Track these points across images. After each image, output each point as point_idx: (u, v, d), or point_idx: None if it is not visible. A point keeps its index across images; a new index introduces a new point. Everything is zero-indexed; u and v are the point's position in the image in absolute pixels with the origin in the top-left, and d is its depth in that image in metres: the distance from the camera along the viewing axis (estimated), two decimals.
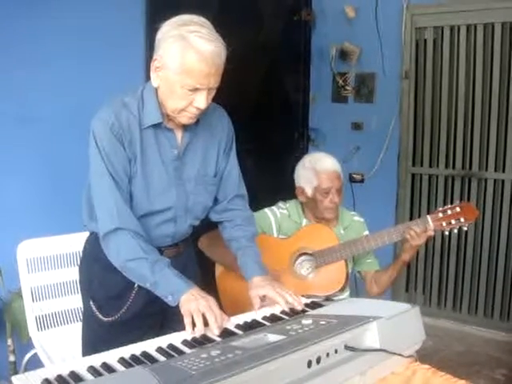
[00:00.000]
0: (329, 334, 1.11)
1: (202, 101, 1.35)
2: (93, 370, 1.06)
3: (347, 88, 3.63)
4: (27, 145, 2.29)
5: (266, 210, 2.11)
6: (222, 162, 1.59)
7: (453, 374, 1.22)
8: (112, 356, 1.12)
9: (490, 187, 3.27)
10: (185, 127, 1.48)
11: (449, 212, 1.91)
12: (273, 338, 1.13)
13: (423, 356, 1.40)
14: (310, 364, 1.05)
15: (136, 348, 1.17)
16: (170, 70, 1.33)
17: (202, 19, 1.36)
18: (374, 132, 3.57)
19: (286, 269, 2.01)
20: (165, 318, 1.57)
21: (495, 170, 3.25)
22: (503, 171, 3.22)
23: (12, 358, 2.28)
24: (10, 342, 2.27)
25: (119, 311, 1.52)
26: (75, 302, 2.14)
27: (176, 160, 1.49)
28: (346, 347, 1.13)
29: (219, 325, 1.27)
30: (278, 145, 3.44)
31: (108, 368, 1.07)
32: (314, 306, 1.47)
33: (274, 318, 1.38)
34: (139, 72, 2.45)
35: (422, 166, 3.50)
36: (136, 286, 1.50)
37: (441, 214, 1.92)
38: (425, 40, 3.38)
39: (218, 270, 2.11)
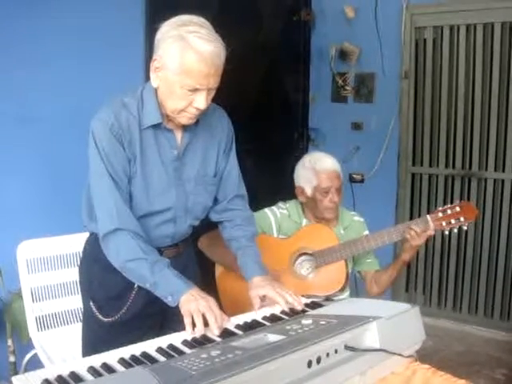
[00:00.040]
0: (329, 334, 1.11)
1: (201, 101, 1.35)
2: (93, 370, 1.06)
3: (347, 88, 3.63)
4: (27, 145, 2.29)
5: (266, 210, 2.11)
6: (221, 162, 1.59)
7: (453, 374, 1.22)
8: (112, 356, 1.12)
9: (489, 187, 3.27)
10: (184, 128, 1.48)
11: (449, 211, 1.92)
12: (273, 338, 1.13)
13: (423, 356, 1.40)
14: (310, 364, 1.05)
15: (136, 348, 1.17)
16: (170, 70, 1.33)
17: (201, 19, 1.36)
18: (373, 132, 3.57)
19: (286, 269, 2.01)
20: (165, 318, 1.57)
21: (495, 170, 3.25)
22: (503, 171, 3.22)
23: (12, 359, 2.28)
24: (10, 342, 2.27)
25: (119, 312, 1.52)
26: (75, 302, 2.14)
27: (176, 160, 1.49)
28: (346, 347, 1.13)
29: (219, 325, 1.27)
30: (277, 145, 3.44)
31: (108, 368, 1.07)
32: (314, 305, 1.47)
33: (274, 318, 1.38)
34: (139, 72, 2.46)
35: (421, 165, 3.50)
36: (136, 286, 1.50)
37: (441, 214, 1.92)
38: (424, 40, 3.38)
39: (218, 270, 2.11)
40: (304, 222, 2.10)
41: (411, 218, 3.41)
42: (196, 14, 1.37)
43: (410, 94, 3.45)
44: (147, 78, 1.45)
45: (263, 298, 1.48)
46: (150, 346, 1.19)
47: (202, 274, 1.73)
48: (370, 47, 3.45)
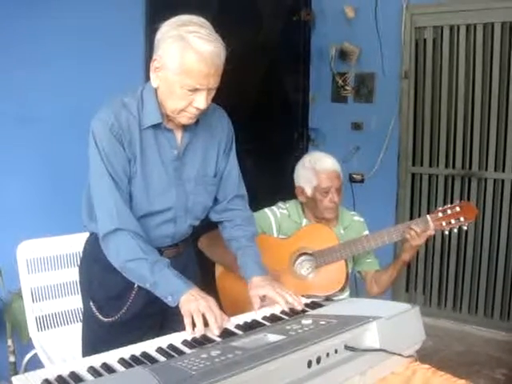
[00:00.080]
0: (329, 334, 1.11)
1: (201, 101, 1.35)
2: (93, 370, 1.06)
3: (347, 88, 3.63)
4: (27, 145, 2.29)
5: (266, 210, 2.11)
6: (221, 162, 1.59)
7: (453, 374, 1.22)
8: (112, 356, 1.12)
9: (489, 187, 3.27)
10: (184, 127, 1.48)
11: (449, 211, 1.91)
12: (273, 338, 1.13)
13: (423, 356, 1.40)
14: (310, 364, 1.05)
15: (136, 348, 1.17)
16: (170, 70, 1.33)
17: (201, 19, 1.36)
18: (373, 132, 3.57)
19: (286, 269, 2.01)
20: (165, 318, 1.57)
21: (495, 170, 3.25)
22: (503, 171, 3.22)
23: (12, 359, 2.28)
24: (10, 342, 2.26)
25: (119, 312, 1.52)
26: (75, 302, 2.13)
27: (176, 160, 1.49)
28: (346, 347, 1.13)
29: (219, 325, 1.27)
30: (277, 145, 3.44)
31: (108, 368, 1.07)
32: (314, 305, 1.47)
33: (273, 318, 1.38)
34: (139, 72, 2.46)
35: (421, 165, 3.50)
36: (136, 286, 1.50)
37: (441, 214, 1.92)
38: (424, 40, 3.38)
39: (218, 270, 2.11)
40: (304, 221, 2.10)
41: (411, 218, 3.41)
42: (196, 13, 1.37)
43: (410, 93, 3.45)
44: (147, 78, 1.45)
45: (263, 298, 1.48)
46: (150, 346, 1.19)
47: (202, 274, 1.73)
48: (370, 47, 3.45)
